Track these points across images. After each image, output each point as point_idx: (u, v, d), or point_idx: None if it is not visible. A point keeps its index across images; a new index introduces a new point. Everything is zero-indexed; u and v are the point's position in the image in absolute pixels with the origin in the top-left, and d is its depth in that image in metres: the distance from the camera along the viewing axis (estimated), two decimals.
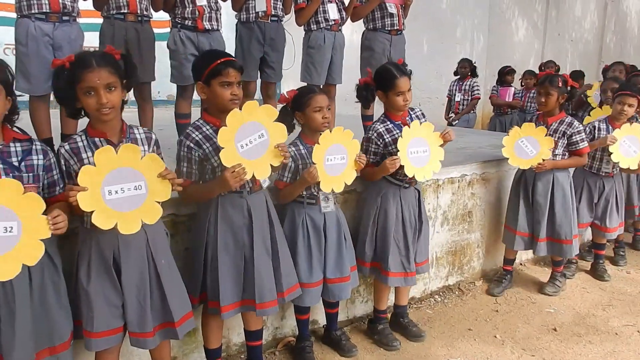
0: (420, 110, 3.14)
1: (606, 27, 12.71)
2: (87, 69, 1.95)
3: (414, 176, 2.94)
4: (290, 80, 6.33)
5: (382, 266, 3.05)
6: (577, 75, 8.32)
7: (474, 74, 7.48)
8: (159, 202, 2.05)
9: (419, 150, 2.93)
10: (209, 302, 2.46)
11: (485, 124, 8.59)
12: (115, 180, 1.95)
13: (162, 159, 2.19)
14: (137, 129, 2.19)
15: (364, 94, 3.00)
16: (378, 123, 3.00)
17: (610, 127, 3.98)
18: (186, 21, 3.55)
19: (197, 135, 2.36)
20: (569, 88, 3.58)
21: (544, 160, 3.57)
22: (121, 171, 1.97)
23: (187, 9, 3.53)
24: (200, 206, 2.50)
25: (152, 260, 2.16)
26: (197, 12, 3.53)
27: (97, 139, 2.06)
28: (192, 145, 2.34)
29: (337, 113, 4.48)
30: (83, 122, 2.18)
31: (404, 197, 3.05)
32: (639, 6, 13.50)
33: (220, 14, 3.70)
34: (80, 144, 2.05)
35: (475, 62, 7.62)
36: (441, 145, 3.01)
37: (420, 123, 2.96)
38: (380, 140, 2.96)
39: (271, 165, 2.38)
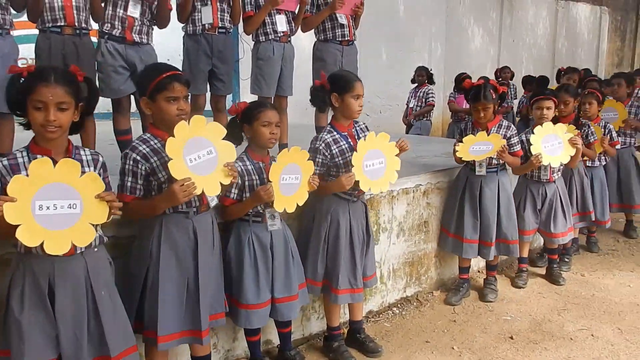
0: (364, 123, 3.07)
1: (558, 33, 12.96)
2: (42, 82, 1.87)
3: (363, 192, 2.87)
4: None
5: (332, 284, 2.94)
6: (529, 80, 8.45)
7: (430, 81, 7.49)
8: (93, 225, 1.92)
9: (375, 163, 2.85)
10: (145, 331, 2.30)
11: (445, 131, 8.60)
12: (49, 195, 1.83)
13: (108, 182, 2.08)
14: (84, 150, 2.08)
15: (320, 95, 2.90)
16: (325, 133, 2.90)
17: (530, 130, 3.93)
18: (114, 31, 3.38)
19: (144, 148, 2.25)
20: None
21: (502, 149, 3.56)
22: (56, 186, 1.85)
23: (117, 16, 3.35)
24: (142, 227, 2.35)
25: (91, 290, 2.02)
26: (126, 22, 3.36)
27: (39, 157, 1.91)
28: (138, 158, 2.23)
29: (294, 123, 4.36)
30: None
31: (353, 211, 2.96)
32: (587, 12, 13.82)
33: (152, 29, 3.55)
34: (20, 160, 1.92)
35: (432, 70, 7.62)
36: (397, 155, 2.94)
37: (366, 136, 2.87)
38: (328, 151, 2.85)
39: (221, 183, 2.29)
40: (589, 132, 4.27)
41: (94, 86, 2.11)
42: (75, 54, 3.19)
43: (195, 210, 2.35)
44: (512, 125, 3.68)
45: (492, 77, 8.74)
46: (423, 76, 7.37)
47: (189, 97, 2.32)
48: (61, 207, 1.85)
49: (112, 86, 3.41)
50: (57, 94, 1.88)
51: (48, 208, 1.83)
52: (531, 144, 3.73)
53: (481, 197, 3.69)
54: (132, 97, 3.48)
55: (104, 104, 5.89)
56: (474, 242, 3.74)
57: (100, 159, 2.11)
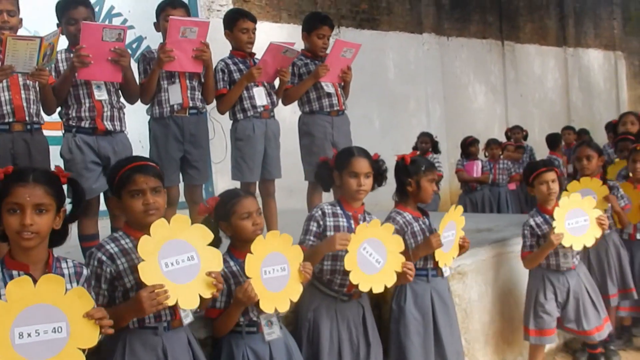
0: (375, 217, 3.11)
1: (570, 84, 13.52)
2: (19, 182, 1.96)
3: (357, 287, 2.87)
4: (224, 175, 6.32)
5: None
6: (555, 138, 8.62)
7: (435, 149, 7.71)
8: (82, 350, 1.95)
9: (373, 253, 2.87)
10: None
11: (455, 204, 8.75)
12: (30, 319, 1.88)
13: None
14: (66, 261, 2.13)
15: (321, 171, 3.07)
16: (326, 204, 3.01)
17: (546, 217, 3.79)
18: (82, 122, 3.49)
19: (112, 248, 2.30)
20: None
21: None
22: (38, 308, 1.89)
23: (84, 106, 3.48)
24: (103, 345, 2.31)
25: None
26: (94, 109, 3.49)
27: (15, 272, 1.97)
28: (104, 258, 2.27)
29: (281, 209, 4.43)
30: None
31: (342, 312, 2.96)
32: (600, 59, 14.50)
33: (124, 114, 3.68)
34: None
35: (436, 137, 7.85)
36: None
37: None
38: (322, 221, 2.91)
39: (200, 296, 2.30)
40: (619, 195, 4.29)
41: (79, 188, 2.19)
42: (26, 153, 3.26)
43: (166, 326, 2.35)
44: None
45: (502, 138, 9.07)
46: (427, 143, 7.59)
47: (161, 189, 2.38)
48: (45, 332, 1.89)
49: (84, 186, 3.41)
50: (35, 194, 1.95)
51: (30, 335, 1.86)
52: (553, 222, 3.65)
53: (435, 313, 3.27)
54: (102, 195, 3.55)
55: None
56: None
57: (85, 272, 2.16)
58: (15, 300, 1.86)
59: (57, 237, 2.10)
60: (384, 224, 2.97)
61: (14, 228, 1.94)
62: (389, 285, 2.93)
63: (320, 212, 2.93)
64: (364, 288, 2.85)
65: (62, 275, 2.07)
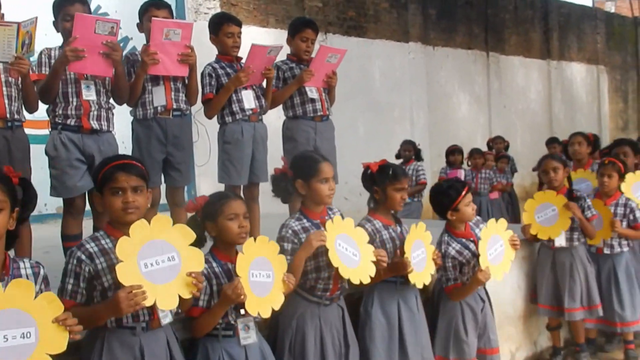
0: (339, 211, 3.15)
1: (553, 96, 13.67)
2: None
3: (337, 290, 2.90)
4: (207, 178, 6.30)
5: None
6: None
7: (418, 157, 7.73)
8: (50, 355, 1.93)
9: (348, 248, 2.90)
10: None
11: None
12: None
13: None
14: (23, 262, 2.10)
15: (282, 184, 3.01)
16: (292, 221, 2.97)
17: (462, 241, 3.51)
18: (69, 120, 3.47)
19: (92, 247, 2.30)
20: None
21: None
22: (7, 313, 1.86)
23: (71, 105, 3.47)
24: (82, 344, 2.33)
25: None
26: (81, 108, 3.47)
27: None
28: (83, 257, 2.27)
29: (263, 213, 4.41)
30: None
31: (325, 317, 2.96)
32: (583, 72, 14.68)
33: (113, 114, 3.67)
34: None
35: (419, 145, 7.89)
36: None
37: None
38: (296, 239, 2.90)
39: (179, 297, 2.30)
40: (586, 206, 4.26)
41: (30, 189, 2.17)
42: (6, 150, 3.22)
43: (145, 327, 2.34)
44: None
45: (484, 148, 9.14)
46: (410, 151, 7.60)
47: (143, 189, 2.38)
48: (13, 337, 1.86)
49: (68, 183, 3.44)
50: None
51: None
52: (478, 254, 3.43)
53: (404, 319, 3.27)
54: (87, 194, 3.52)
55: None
56: None
57: (42, 271, 2.13)
58: None
59: (11, 238, 2.07)
60: (346, 218, 2.99)
61: None
62: (372, 275, 2.96)
63: (291, 232, 2.90)
64: (355, 281, 2.89)
65: (20, 276, 2.05)
